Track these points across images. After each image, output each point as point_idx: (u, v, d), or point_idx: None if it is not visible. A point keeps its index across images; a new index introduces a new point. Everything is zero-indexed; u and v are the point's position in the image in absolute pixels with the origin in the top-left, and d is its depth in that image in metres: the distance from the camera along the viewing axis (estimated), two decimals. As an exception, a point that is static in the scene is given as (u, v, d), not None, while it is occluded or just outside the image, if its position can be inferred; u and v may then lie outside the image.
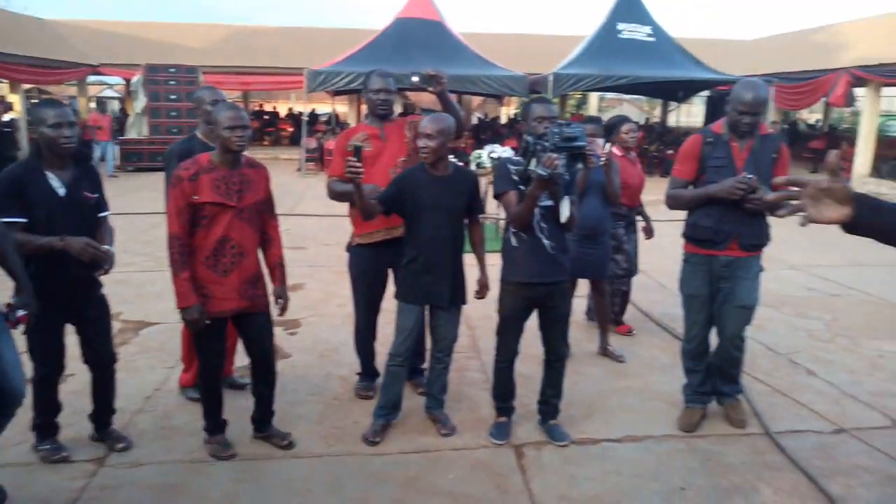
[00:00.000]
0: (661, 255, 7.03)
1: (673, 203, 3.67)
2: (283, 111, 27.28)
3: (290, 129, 23.60)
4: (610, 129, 5.02)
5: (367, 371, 4.17)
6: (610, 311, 5.05)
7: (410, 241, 3.49)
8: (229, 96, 4.25)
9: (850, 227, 1.60)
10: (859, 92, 16.56)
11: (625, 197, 4.83)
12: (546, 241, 3.34)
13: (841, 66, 15.65)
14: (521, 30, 50.78)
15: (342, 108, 24.80)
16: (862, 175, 15.45)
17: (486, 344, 4.76)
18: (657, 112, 28.06)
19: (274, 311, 3.42)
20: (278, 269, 3.44)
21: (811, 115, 27.47)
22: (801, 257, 8.00)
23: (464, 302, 3.60)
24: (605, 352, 4.86)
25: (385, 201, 3.43)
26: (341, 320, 5.35)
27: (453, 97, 3.91)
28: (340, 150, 3.82)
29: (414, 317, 3.50)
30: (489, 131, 20.79)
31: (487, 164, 8.81)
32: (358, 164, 3.10)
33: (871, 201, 1.59)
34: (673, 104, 21.75)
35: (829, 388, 4.37)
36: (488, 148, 9.08)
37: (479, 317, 5.40)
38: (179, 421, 3.74)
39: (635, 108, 33.52)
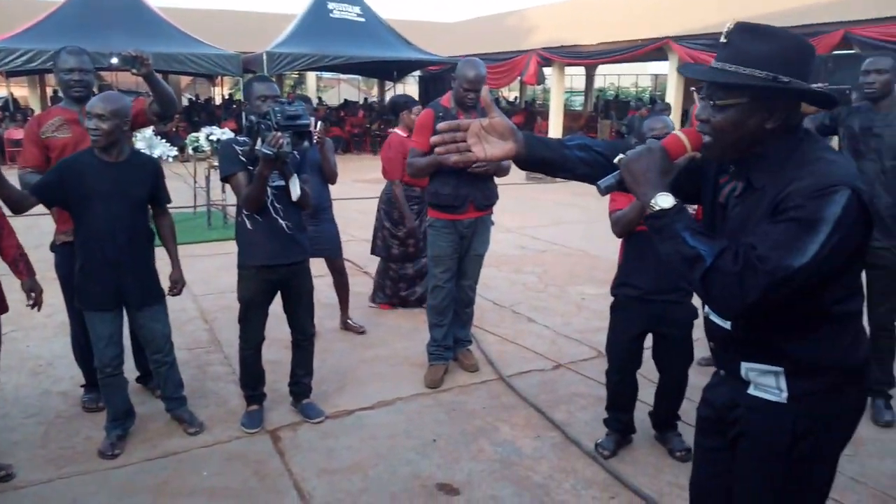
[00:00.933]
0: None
1: (413, 171, 3.99)
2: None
3: (-45, 120, 20.05)
4: (397, 109, 5.08)
5: (93, 381, 3.74)
6: (348, 288, 5.05)
7: (82, 239, 3.11)
8: None
9: (521, 161, 1.62)
10: (547, 71, 18.66)
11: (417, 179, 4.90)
12: (282, 222, 3.29)
13: (531, 47, 17.53)
14: (228, 6, 48.44)
15: (20, 91, 21.67)
16: (554, 145, 17.53)
17: (227, 335, 4.57)
18: (375, 91, 28.90)
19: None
20: (21, 262, 3.02)
21: (510, 93, 30.27)
22: (512, 220, 8.85)
23: (161, 296, 3.34)
24: (346, 326, 4.95)
25: (41, 190, 3.03)
26: (53, 331, 4.74)
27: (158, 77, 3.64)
28: (32, 138, 3.45)
29: (107, 324, 3.16)
30: (203, 113, 19.68)
31: (206, 147, 8.38)
32: None
33: (536, 136, 1.67)
34: (389, 83, 22.55)
35: (546, 331, 4.96)
36: (206, 130, 8.65)
37: (216, 308, 5.15)
38: None
39: (353, 88, 34.06)
